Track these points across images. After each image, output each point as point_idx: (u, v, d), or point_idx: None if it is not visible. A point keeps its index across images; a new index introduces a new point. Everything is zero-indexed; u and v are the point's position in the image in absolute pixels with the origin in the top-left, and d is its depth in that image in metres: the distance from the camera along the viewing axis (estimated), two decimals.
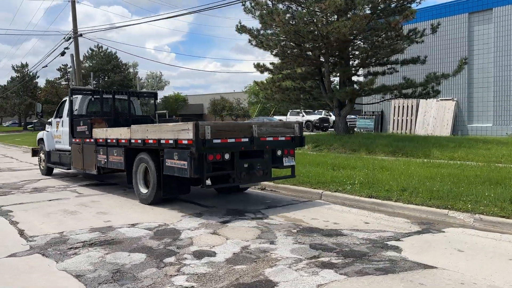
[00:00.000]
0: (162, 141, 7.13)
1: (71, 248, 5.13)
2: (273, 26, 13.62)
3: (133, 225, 6.21)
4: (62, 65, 49.39)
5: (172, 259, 4.66)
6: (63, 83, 50.36)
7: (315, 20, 13.02)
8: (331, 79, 15.60)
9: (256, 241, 5.31)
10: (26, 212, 7.20)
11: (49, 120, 12.81)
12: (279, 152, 7.76)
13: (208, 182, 7.96)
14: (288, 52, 14.49)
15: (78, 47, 27.87)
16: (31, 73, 60.12)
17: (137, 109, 12.19)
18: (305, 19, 12.91)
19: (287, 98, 16.35)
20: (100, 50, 47.34)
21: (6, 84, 63.15)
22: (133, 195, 8.40)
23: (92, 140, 9.39)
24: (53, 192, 9.30)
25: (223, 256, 4.72)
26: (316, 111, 35.93)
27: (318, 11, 13.38)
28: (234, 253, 4.82)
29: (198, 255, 4.78)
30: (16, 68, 57.74)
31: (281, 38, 14.11)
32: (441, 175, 8.23)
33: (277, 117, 37.77)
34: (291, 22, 13.01)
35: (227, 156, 6.95)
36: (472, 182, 7.59)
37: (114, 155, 8.60)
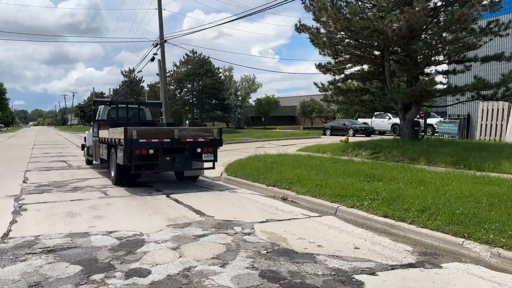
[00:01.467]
0: (116, 140, 10.17)
1: (28, 253, 5.13)
2: (327, 23, 12.68)
3: (110, 232, 6.07)
4: None
5: (100, 275, 4.36)
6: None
7: (368, 14, 11.80)
8: (397, 79, 14.10)
9: (209, 261, 4.79)
10: (37, 212, 7.51)
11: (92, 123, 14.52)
12: (198, 150, 10.17)
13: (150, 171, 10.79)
14: (342, 50, 13.38)
15: (164, 53, 29.34)
16: (137, 78, 65.67)
17: (147, 115, 14.78)
18: (358, 13, 11.78)
19: (348, 100, 15.17)
20: (195, 55, 49.63)
21: (117, 87, 69.94)
22: (151, 199, 8.45)
23: (97, 139, 12.72)
24: (84, 192, 9.66)
25: (154, 277, 4.30)
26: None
27: (371, 4, 12.12)
28: (168, 275, 4.37)
29: (131, 273, 4.42)
30: (124, 73, 63.33)
31: (335, 36, 13.06)
32: (485, 194, 6.76)
33: (361, 120, 35.86)
34: (343, 17, 11.94)
35: (151, 151, 9.63)
36: None
37: (104, 149, 11.74)
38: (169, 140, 9.77)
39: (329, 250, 5.24)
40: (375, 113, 34.80)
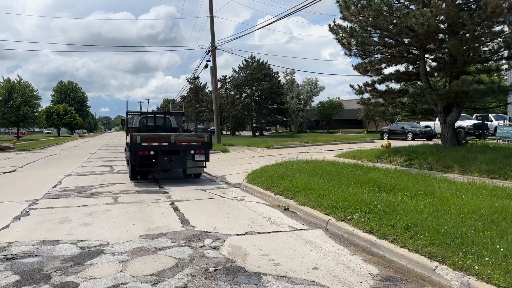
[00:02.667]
0: (128, 144, 12.46)
1: None
2: (354, 21, 11.85)
3: (79, 241, 6.09)
4: (222, 76, 53.85)
5: None
6: (222, 92, 54.72)
7: (393, 10, 10.79)
8: (439, 79, 12.80)
9: (145, 278, 4.57)
10: (35, 218, 7.78)
11: None
12: (192, 152, 12.01)
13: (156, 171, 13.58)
14: (370, 50, 12.43)
15: (215, 59, 29.88)
16: (201, 84, 67.59)
17: (172, 123, 16.63)
18: (383, 11, 10.84)
19: (386, 102, 14.08)
20: (253, 61, 49.92)
21: (185, 94, 72.62)
22: (153, 206, 8.44)
23: (126, 145, 14.49)
24: (97, 198, 9.90)
25: None
26: (474, 116, 30.77)
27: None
28: None
29: (56, 285, 4.31)
30: (189, 80, 65.44)
31: (361, 34, 12.16)
32: (492, 210, 5.80)
33: (423, 123, 33.60)
34: (367, 14, 11.07)
35: (152, 153, 11.65)
36: None
37: (127, 152, 13.89)
38: (166, 143, 11.75)
39: (284, 269, 4.77)
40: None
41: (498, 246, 4.36)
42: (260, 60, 50.13)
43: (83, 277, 4.60)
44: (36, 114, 58.58)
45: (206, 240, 6.04)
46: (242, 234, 6.43)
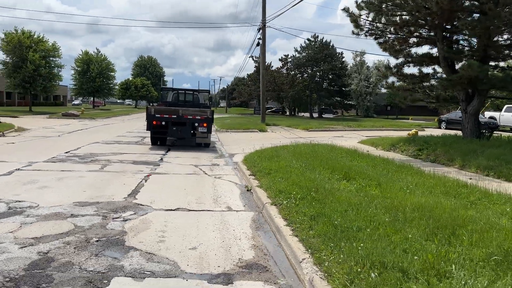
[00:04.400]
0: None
1: None
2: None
3: (15, 201, 6.41)
4: (284, 55, 53.17)
5: None
6: (284, 72, 54.17)
7: None
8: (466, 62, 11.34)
9: (20, 240, 4.70)
10: (11, 177, 8.34)
11: None
12: (196, 124, 14.05)
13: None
14: (381, 29, 11.32)
15: (264, 37, 29.50)
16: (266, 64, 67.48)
17: (200, 99, 18.81)
18: None
19: (408, 87, 12.86)
20: (316, 40, 48.59)
21: (248, 74, 73.41)
22: (127, 177, 8.70)
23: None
24: (88, 165, 10.33)
25: None
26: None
27: None
28: None
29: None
30: (254, 59, 65.73)
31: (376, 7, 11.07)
32: (413, 207, 5.13)
33: (488, 113, 30.64)
34: None
35: (163, 123, 14.15)
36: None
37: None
38: (175, 116, 14.01)
39: (162, 247, 4.68)
40: (506, 106, 29.53)
41: (362, 245, 3.87)
42: (323, 40, 48.65)
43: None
44: (111, 85, 62.49)
45: (127, 213, 6.08)
46: (171, 210, 6.37)
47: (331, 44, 48.92)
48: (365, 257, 3.63)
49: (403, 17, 11.03)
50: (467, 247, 3.83)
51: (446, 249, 3.79)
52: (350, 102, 51.77)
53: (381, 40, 12.26)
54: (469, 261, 3.54)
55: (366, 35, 12.08)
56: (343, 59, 50.86)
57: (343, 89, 50.72)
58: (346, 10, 11.72)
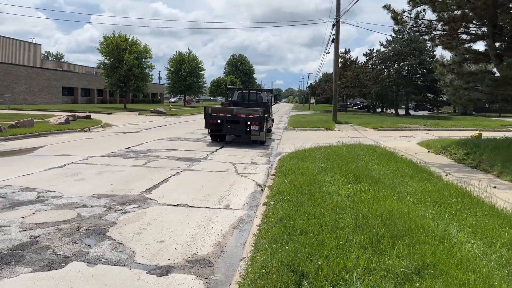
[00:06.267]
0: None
1: None
2: None
3: (46, 191, 7.41)
4: (369, 50, 51.34)
5: None
6: (369, 67, 52.35)
7: None
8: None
9: (24, 225, 5.53)
10: (61, 169, 9.55)
11: None
12: (249, 122, 15.19)
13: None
14: (425, 25, 10.44)
15: (338, 33, 29.00)
16: (351, 58, 65.81)
17: (263, 98, 19.90)
18: None
19: (468, 85, 11.75)
20: (402, 34, 46.09)
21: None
22: (160, 173, 9.48)
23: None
24: (136, 160, 11.34)
25: None
26: None
27: None
28: None
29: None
30: (340, 55, 64.58)
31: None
32: (386, 215, 4.95)
33: None
34: None
35: (219, 121, 15.47)
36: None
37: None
38: (230, 115, 15.30)
39: (142, 240, 5.16)
40: None
41: (287, 247, 3.96)
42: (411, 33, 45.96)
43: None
44: (200, 83, 65.95)
45: (131, 206, 6.71)
46: (173, 205, 6.88)
47: (420, 38, 46.05)
48: (280, 259, 3.75)
49: (455, 12, 10.24)
50: (393, 258, 3.74)
51: (367, 257, 3.74)
52: (441, 99, 48.24)
53: (426, 37, 11.50)
54: (380, 271, 3.47)
55: (408, 32, 11.42)
56: (434, 53, 47.53)
57: (434, 84, 47.39)
58: (387, 7, 11.23)
